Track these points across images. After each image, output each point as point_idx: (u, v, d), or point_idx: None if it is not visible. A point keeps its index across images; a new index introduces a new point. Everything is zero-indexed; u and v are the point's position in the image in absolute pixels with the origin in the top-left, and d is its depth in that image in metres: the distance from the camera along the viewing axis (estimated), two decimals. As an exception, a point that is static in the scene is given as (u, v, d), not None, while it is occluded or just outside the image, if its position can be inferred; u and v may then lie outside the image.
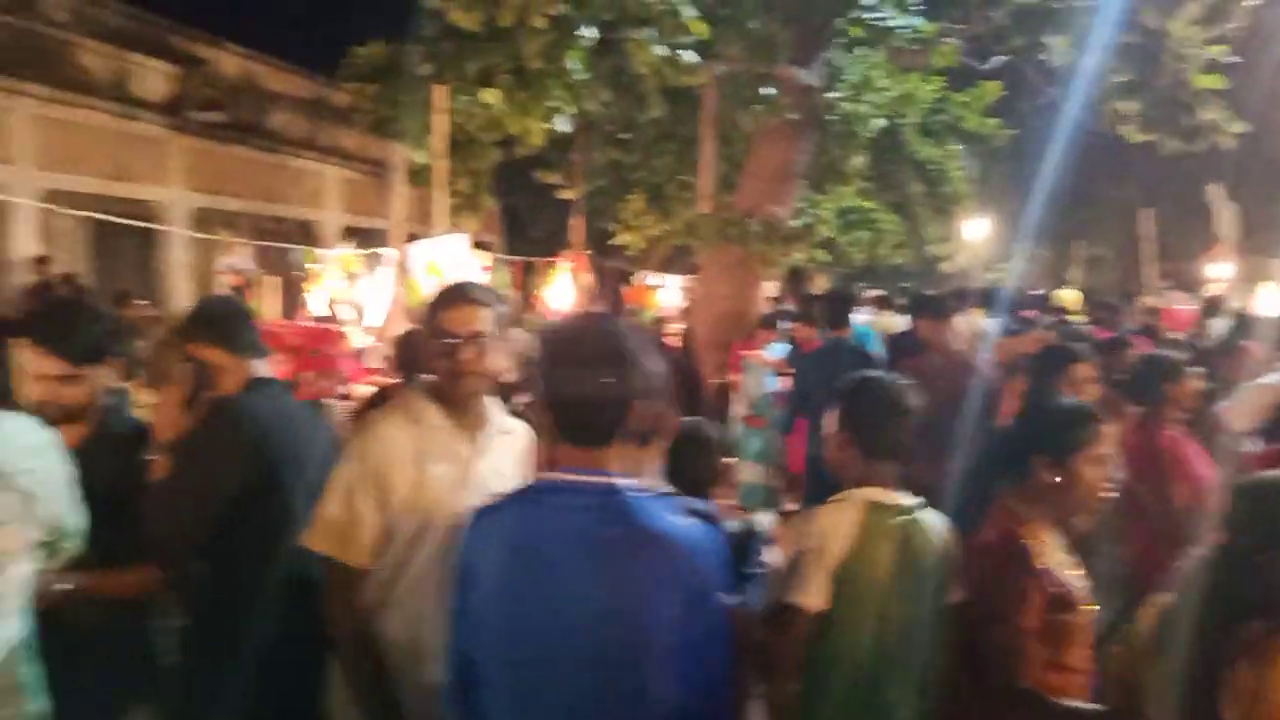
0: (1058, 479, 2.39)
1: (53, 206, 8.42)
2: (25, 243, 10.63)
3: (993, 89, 12.93)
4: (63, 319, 2.49)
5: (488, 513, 1.77)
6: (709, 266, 9.14)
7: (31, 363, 2.41)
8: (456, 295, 2.35)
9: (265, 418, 2.49)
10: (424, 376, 2.43)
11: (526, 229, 18.84)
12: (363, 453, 2.25)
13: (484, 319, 2.28)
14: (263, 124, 14.80)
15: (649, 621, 1.60)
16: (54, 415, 2.29)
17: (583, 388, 1.65)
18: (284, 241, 11.38)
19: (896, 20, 8.18)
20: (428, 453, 2.26)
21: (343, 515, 2.21)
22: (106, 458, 2.42)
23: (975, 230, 20.04)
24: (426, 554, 2.22)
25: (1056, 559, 2.37)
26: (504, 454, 2.37)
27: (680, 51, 6.88)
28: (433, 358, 2.30)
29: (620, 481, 1.67)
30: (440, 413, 2.30)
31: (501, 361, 2.34)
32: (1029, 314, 7.49)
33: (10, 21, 10.69)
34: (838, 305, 6.43)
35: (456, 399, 2.29)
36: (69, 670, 1.99)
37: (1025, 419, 3.11)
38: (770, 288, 10.67)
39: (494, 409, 2.40)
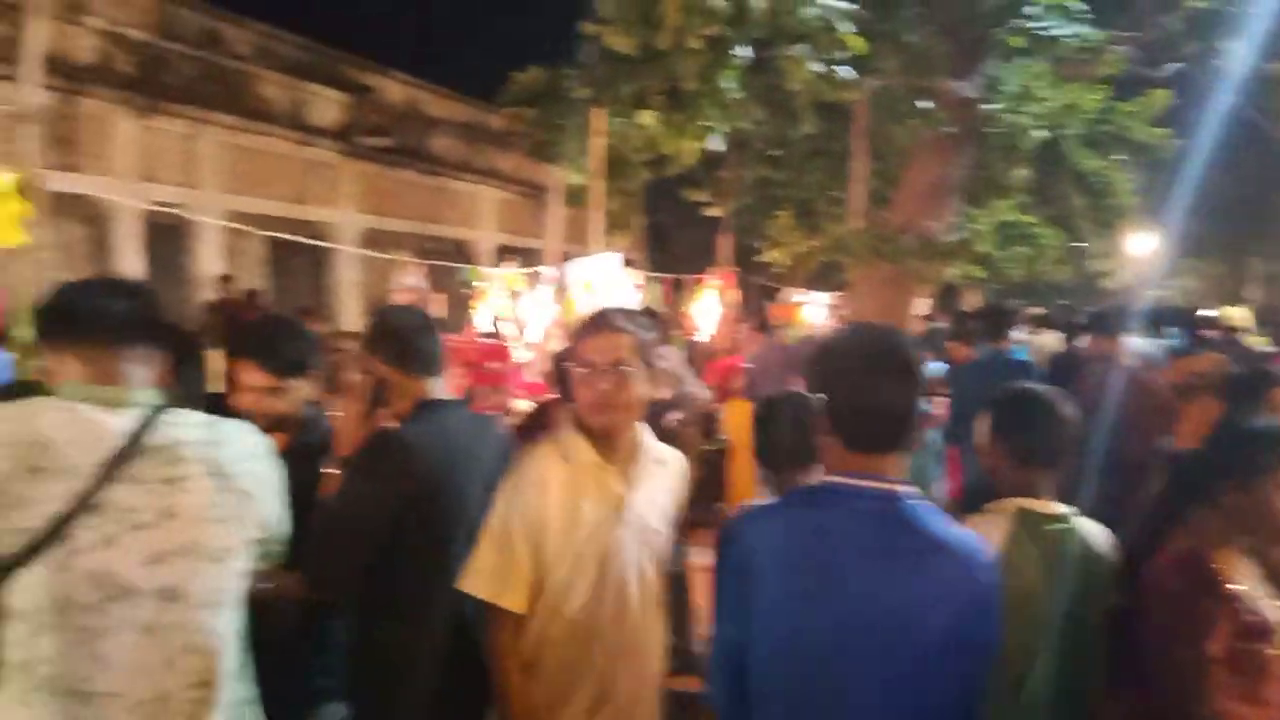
0: (1250, 504, 2.28)
1: (239, 226, 9.04)
2: (211, 261, 11.46)
3: (1161, 97, 12.29)
4: (270, 334, 2.68)
5: (765, 514, 1.85)
6: (860, 283, 9.04)
7: (241, 374, 2.62)
8: (597, 322, 2.26)
9: (425, 449, 2.38)
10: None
11: (670, 246, 19.03)
12: (514, 494, 2.21)
13: (624, 347, 2.18)
14: (425, 148, 15.49)
15: (933, 626, 1.66)
16: (260, 424, 2.46)
17: (876, 397, 1.71)
18: (441, 260, 11.86)
19: (1061, 29, 7.90)
20: (580, 491, 2.20)
21: (498, 559, 2.18)
22: (302, 467, 2.58)
23: (1140, 245, 19.05)
24: (581, 595, 2.19)
25: (1250, 587, 2.25)
26: (658, 485, 2.32)
27: (835, 67, 6.84)
28: (575, 387, 2.22)
29: (901, 488, 1.73)
30: (590, 447, 2.22)
31: (646, 390, 2.22)
32: (1207, 333, 7.09)
33: (200, 56, 11.57)
34: (997, 318, 6.26)
35: (598, 431, 2.21)
36: (267, 666, 2.13)
37: (1216, 441, 2.96)
38: (922, 305, 10.45)
39: (646, 437, 2.33)
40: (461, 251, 15.66)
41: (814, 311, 14.47)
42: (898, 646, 1.67)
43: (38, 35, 4.11)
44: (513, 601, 2.19)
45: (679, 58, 6.71)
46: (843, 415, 1.75)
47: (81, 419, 1.79)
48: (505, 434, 2.88)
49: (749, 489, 4.09)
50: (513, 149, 14.86)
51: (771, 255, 13.95)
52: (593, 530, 2.19)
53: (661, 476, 2.34)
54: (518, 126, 9.51)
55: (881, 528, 1.70)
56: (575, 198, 8.45)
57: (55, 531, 1.70)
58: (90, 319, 1.90)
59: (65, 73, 8.74)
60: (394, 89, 15.13)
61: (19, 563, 1.69)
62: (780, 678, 1.75)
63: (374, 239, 13.63)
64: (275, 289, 12.15)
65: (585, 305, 6.06)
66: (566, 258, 7.36)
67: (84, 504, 1.72)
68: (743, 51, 6.77)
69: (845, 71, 6.89)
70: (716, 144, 7.62)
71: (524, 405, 5.28)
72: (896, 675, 1.68)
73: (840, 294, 13.02)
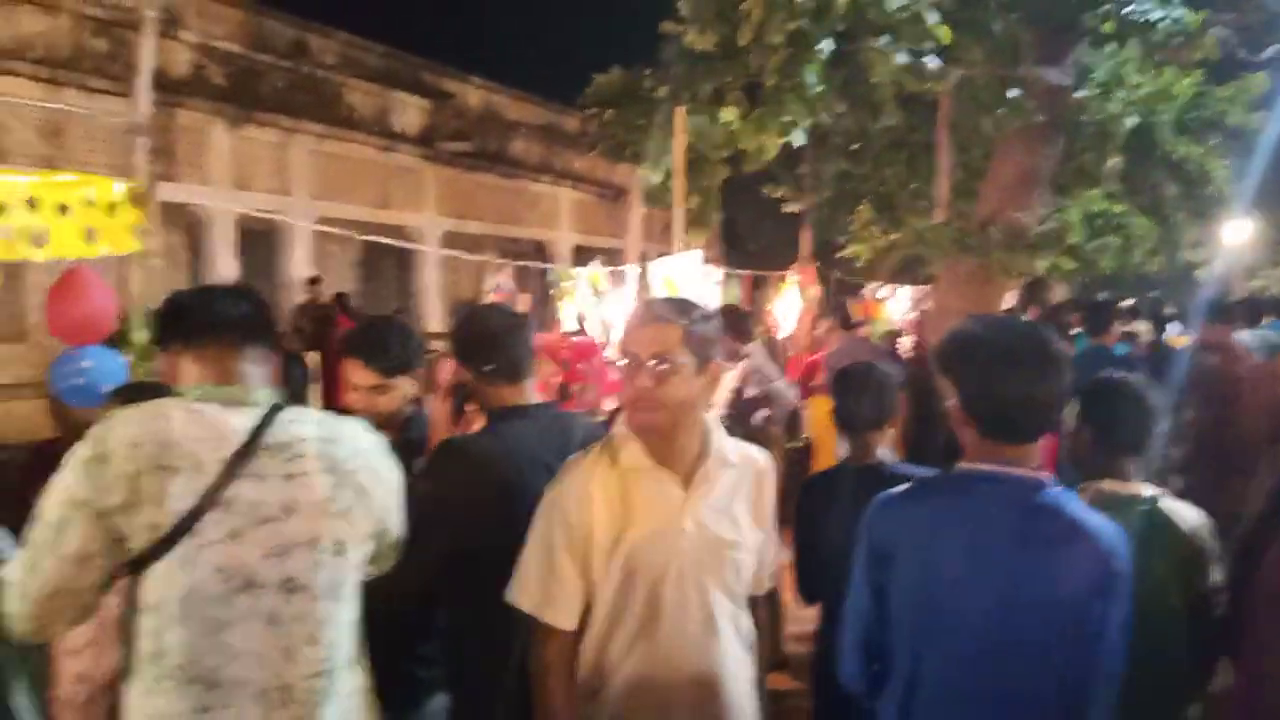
0: None
1: (329, 229, 9.28)
2: (301, 265, 11.80)
3: (1259, 81, 11.81)
4: (376, 334, 2.76)
5: (906, 501, 1.87)
6: (944, 277, 8.87)
7: (349, 373, 2.71)
8: (641, 313, 2.11)
9: (491, 456, 2.34)
10: None
11: (747, 243, 18.94)
12: (556, 502, 2.07)
13: (668, 339, 1.99)
14: (504, 151, 15.70)
15: (1075, 609, 1.70)
16: (368, 423, 2.53)
17: (1019, 388, 1.74)
18: (519, 260, 12.01)
19: (1155, 13, 7.64)
20: (631, 499, 2.03)
21: (541, 571, 2.05)
22: (404, 464, 2.64)
23: (1236, 233, 18.32)
24: (638, 614, 2.03)
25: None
26: (728, 489, 2.10)
27: (920, 58, 6.73)
28: (623, 383, 2.08)
29: (1042, 476, 1.76)
30: (642, 450, 2.05)
31: (696, 387, 2.01)
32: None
33: (290, 67, 11.91)
34: (1099, 312, 6.10)
35: (643, 431, 2.04)
36: (375, 656, 2.18)
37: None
38: (1007, 299, 10.22)
39: (715, 437, 2.12)
40: (540, 252, 15.84)
41: (896, 307, 14.27)
42: (1042, 629, 1.71)
43: (146, 51, 4.28)
44: (557, 616, 2.05)
45: (759, 54, 6.68)
46: (984, 406, 1.78)
47: (205, 418, 1.85)
48: (598, 433, 2.87)
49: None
50: (590, 150, 14.98)
51: (852, 250, 13.79)
52: (647, 542, 2.02)
53: (734, 480, 2.12)
54: (598, 128, 9.58)
55: (1025, 514, 1.74)
56: (654, 197, 8.46)
57: (184, 527, 1.77)
58: (210, 323, 1.99)
59: (164, 86, 9.09)
60: (473, 94, 15.37)
61: (151, 557, 1.77)
62: (927, 662, 1.77)
63: (455, 241, 13.87)
64: (363, 291, 12.45)
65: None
66: (646, 257, 7.37)
67: (211, 500, 1.79)
68: (825, 45, 6.70)
69: (930, 62, 6.77)
70: (799, 139, 7.56)
71: (609, 405, 5.32)
72: (1041, 657, 1.71)
73: (924, 289, 12.79)
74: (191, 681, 1.77)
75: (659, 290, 6.64)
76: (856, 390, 2.95)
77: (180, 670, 1.77)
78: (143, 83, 4.21)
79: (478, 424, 2.59)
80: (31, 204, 3.99)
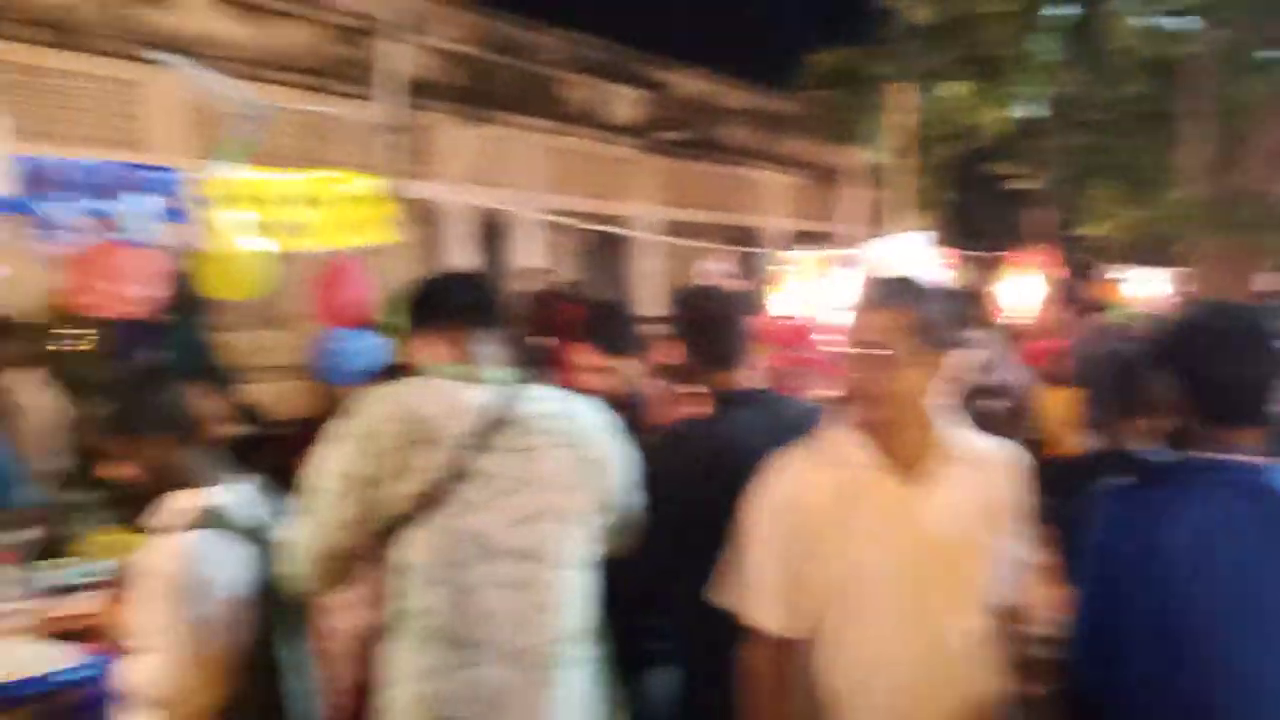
0: None
1: (558, 219, 9.65)
2: (530, 256, 12.35)
3: None
4: (603, 318, 2.90)
5: (1128, 494, 1.83)
6: (1198, 257, 8.15)
7: (577, 355, 2.85)
8: (861, 296, 1.99)
9: (723, 446, 2.35)
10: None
11: (970, 223, 18.09)
12: (768, 498, 1.96)
13: (887, 325, 1.85)
14: (716, 138, 15.76)
15: None
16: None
17: (1240, 372, 1.72)
18: (733, 246, 12.03)
19: None
20: (849, 500, 1.88)
21: (747, 570, 1.96)
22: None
23: None
24: (860, 626, 1.88)
25: None
26: (964, 487, 1.90)
27: (1169, 19, 6.22)
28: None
29: (1262, 461, 1.72)
30: (862, 446, 1.91)
31: (922, 377, 1.86)
32: None
33: (517, 65, 12.47)
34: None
35: (863, 425, 1.91)
36: (608, 628, 2.26)
37: None
38: (1265, 280, 9.26)
39: (945, 431, 1.93)
40: (753, 238, 15.80)
41: (1136, 288, 13.21)
42: (1272, 618, 1.68)
43: (400, 57, 4.63)
44: (765, 619, 1.93)
45: (986, 24, 6.39)
46: (1205, 391, 1.74)
47: (452, 395, 2.00)
48: (817, 420, 2.79)
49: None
50: (802, 133, 14.77)
51: (1089, 229, 12.88)
52: (866, 548, 1.86)
53: (970, 478, 1.91)
54: (811, 110, 9.44)
55: (1250, 502, 1.71)
56: (876, 178, 8.26)
57: (434, 496, 1.92)
58: (449, 307, 2.15)
59: (409, 89, 9.76)
60: (686, 83, 15.50)
61: (406, 524, 1.93)
62: (1155, 657, 1.72)
63: (672, 229, 14.07)
64: (585, 280, 12.88)
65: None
66: (861, 240, 7.21)
67: (457, 471, 1.93)
68: (1059, 10, 6.31)
69: (1183, 23, 6.23)
70: (1035, 110, 7.15)
71: (827, 393, 5.24)
72: (1272, 648, 1.69)
73: (1174, 270, 11.78)
74: (444, 640, 1.91)
75: (881, 273, 6.48)
76: (1109, 380, 2.86)
77: (434, 629, 1.91)
78: (391, 87, 4.55)
79: (691, 408, 2.60)
80: (300, 200, 4.43)
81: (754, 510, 1.98)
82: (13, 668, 2.68)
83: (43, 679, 2.66)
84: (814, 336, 6.29)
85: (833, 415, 2.04)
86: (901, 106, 6.96)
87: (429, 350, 2.13)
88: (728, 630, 2.16)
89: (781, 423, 2.42)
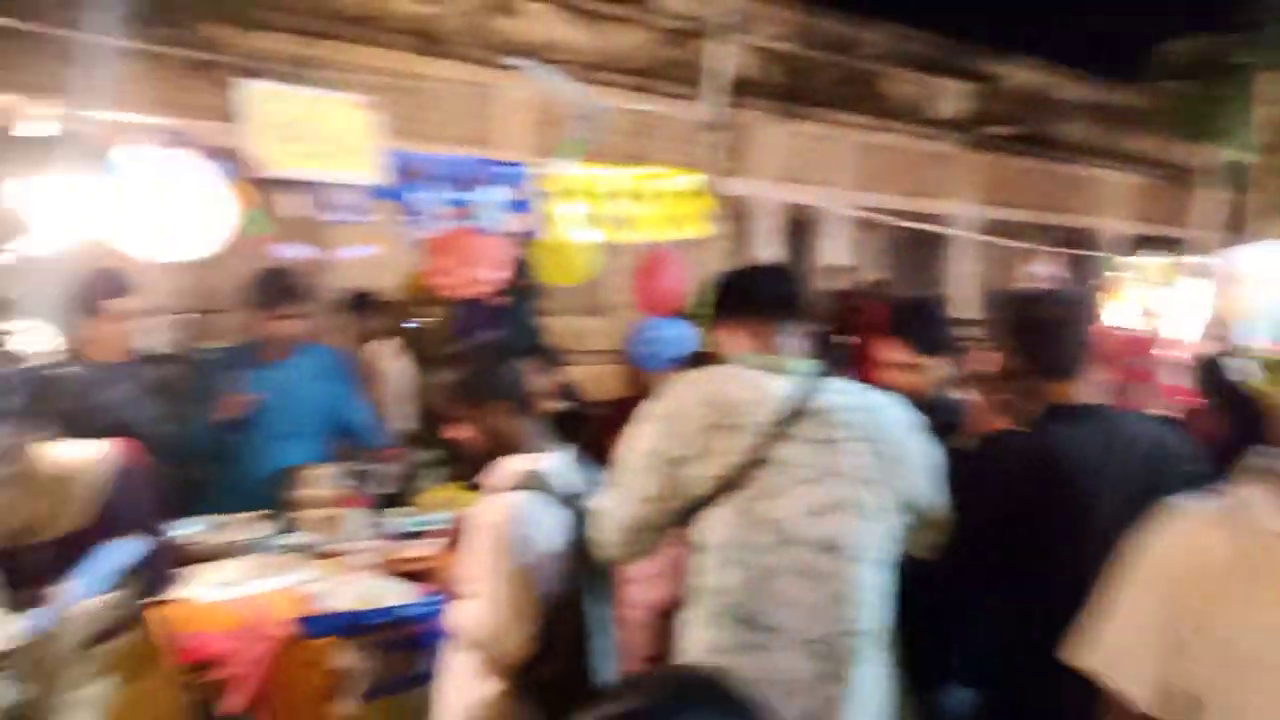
0: None
1: (869, 215, 9.50)
2: (836, 253, 12.25)
3: None
4: (915, 315, 2.85)
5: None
6: None
7: (884, 351, 2.82)
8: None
9: (1045, 464, 2.19)
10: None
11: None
12: (1152, 556, 1.59)
13: None
14: (1048, 134, 14.76)
15: None
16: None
17: None
18: (1062, 249, 11.24)
19: None
20: (1256, 574, 1.48)
21: (1122, 635, 1.59)
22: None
23: None
24: (1265, 717, 1.46)
25: None
26: None
27: None
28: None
29: None
30: None
31: None
32: None
33: (836, 61, 12.37)
34: None
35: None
36: (906, 635, 2.21)
37: None
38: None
39: None
40: (1085, 240, 14.66)
41: None
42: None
43: (725, 57, 4.78)
44: (1128, 685, 1.57)
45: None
46: None
47: (755, 383, 2.06)
48: (1179, 440, 2.41)
49: None
50: (1148, 129, 13.49)
51: None
52: (1274, 630, 1.45)
53: None
54: (1161, 103, 8.60)
55: None
56: (1234, 179, 7.40)
57: (736, 480, 1.99)
58: (755, 299, 2.21)
59: (730, 87, 10.00)
60: (1019, 75, 14.65)
61: (708, 504, 2.02)
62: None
63: (992, 229, 13.40)
64: (891, 279, 12.59)
65: (1254, 301, 5.28)
66: (1216, 247, 6.48)
67: (758, 458, 1.99)
68: None
69: None
70: None
71: (1167, 411, 4.78)
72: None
73: None
74: (741, 620, 1.97)
75: (1243, 286, 5.79)
76: None
77: (732, 608, 1.98)
78: (715, 86, 4.71)
79: (1003, 418, 2.43)
80: (626, 194, 4.71)
81: (1130, 563, 1.64)
82: (362, 599, 3.07)
83: (386, 611, 3.03)
84: (1155, 351, 5.75)
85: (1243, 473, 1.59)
86: (1272, 99, 6.17)
87: (734, 340, 2.21)
88: (1040, 670, 1.97)
89: (1114, 443, 2.24)
